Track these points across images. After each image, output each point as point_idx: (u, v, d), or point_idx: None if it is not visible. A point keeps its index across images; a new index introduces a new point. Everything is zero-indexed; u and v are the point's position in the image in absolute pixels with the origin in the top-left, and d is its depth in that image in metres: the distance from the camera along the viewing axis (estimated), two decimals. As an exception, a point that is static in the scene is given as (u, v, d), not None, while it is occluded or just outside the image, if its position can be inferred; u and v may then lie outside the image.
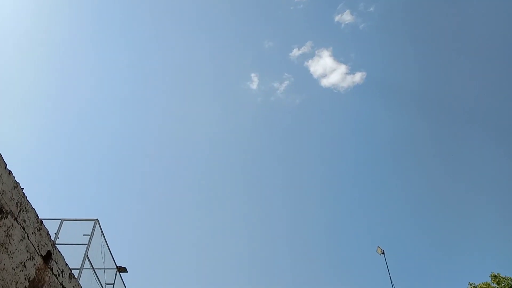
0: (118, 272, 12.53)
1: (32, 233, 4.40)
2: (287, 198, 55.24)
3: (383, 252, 14.03)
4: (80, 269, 9.51)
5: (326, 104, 53.56)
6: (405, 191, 51.90)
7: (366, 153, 55.37)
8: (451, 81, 49.93)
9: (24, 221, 4.28)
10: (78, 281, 5.80)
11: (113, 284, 12.26)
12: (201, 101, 54.90)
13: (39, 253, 4.60)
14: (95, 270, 10.86)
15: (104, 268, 11.50)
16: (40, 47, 46.00)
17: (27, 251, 4.29)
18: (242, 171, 56.51)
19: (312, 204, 54.38)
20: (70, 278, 5.39)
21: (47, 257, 4.77)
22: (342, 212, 53.36)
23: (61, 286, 5.07)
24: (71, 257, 9.54)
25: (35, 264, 4.48)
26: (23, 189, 4.40)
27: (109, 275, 12.08)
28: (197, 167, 56.14)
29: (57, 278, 4.99)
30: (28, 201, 4.30)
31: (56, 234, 10.05)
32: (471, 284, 22.63)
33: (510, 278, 21.84)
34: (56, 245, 6.82)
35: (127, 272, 12.83)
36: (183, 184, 55.34)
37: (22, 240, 4.20)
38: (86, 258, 9.91)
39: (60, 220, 10.31)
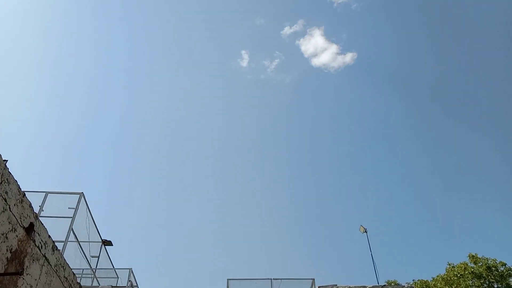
0: (103, 245, 12.59)
1: (14, 205, 4.39)
2: (269, 178, 55.60)
3: (365, 231, 14.29)
4: (65, 242, 9.53)
5: (316, 84, 53.49)
6: (390, 173, 52.61)
7: (354, 134, 55.74)
8: (443, 63, 50.12)
9: (6, 192, 4.26)
10: (61, 253, 5.83)
11: (98, 257, 12.33)
12: (190, 77, 54.38)
13: (21, 225, 4.60)
14: (80, 243, 10.91)
15: (89, 241, 11.54)
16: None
17: (9, 222, 4.29)
18: (230, 149, 56.58)
19: (296, 183, 54.88)
20: (53, 250, 5.42)
21: (30, 229, 4.78)
22: (326, 191, 54.00)
23: (44, 258, 5.10)
24: (56, 230, 9.54)
25: (17, 236, 4.48)
26: (6, 161, 4.35)
27: (94, 248, 12.14)
28: (184, 143, 56.03)
29: (40, 250, 5.01)
30: (10, 173, 4.26)
31: (41, 207, 10.02)
32: (450, 264, 23.25)
33: (486, 258, 22.49)
34: (40, 218, 6.82)
35: (112, 245, 12.90)
36: (169, 158, 55.29)
37: (3, 211, 4.19)
38: (71, 231, 9.93)
39: (44, 193, 10.26)
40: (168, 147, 55.38)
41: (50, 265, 5.29)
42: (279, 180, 55.57)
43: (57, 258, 5.50)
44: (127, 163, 53.68)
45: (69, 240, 9.67)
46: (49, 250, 5.29)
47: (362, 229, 14.58)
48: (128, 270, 12.79)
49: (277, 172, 55.36)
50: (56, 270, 5.44)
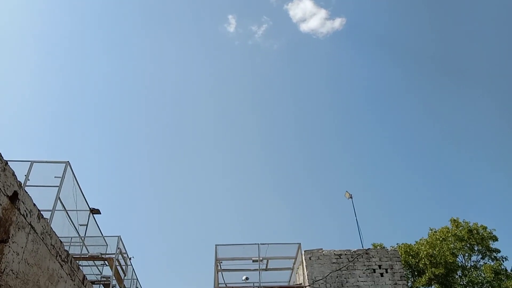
0: (91, 214, 12.62)
1: (-4, 173, 4.33)
2: (256, 145, 55.74)
3: (351, 197, 14.51)
4: (52, 211, 9.53)
5: (305, 50, 52.93)
6: (377, 138, 53.09)
7: (341, 100, 55.76)
8: (435, 26, 49.81)
9: (-13, 161, 4.18)
10: (48, 221, 5.82)
11: (86, 225, 12.38)
12: (176, 42, 53.32)
13: (5, 194, 4.55)
14: (68, 211, 10.91)
15: (77, 210, 11.55)
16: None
17: (-9, 191, 4.23)
18: (217, 115, 56.30)
19: (282, 150, 55.15)
20: (39, 218, 5.40)
21: (14, 198, 4.74)
22: (313, 158, 54.42)
23: (29, 226, 5.08)
24: (43, 199, 9.51)
25: (0, 204, 4.44)
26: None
27: (82, 217, 12.17)
28: (171, 109, 55.51)
29: (25, 218, 4.98)
30: (-9, 141, 4.19)
31: (26, 176, 9.93)
32: (431, 229, 23.93)
33: (467, 222, 23.17)
34: (24, 186, 6.76)
35: (100, 213, 12.94)
36: (157, 124, 54.91)
37: (-15, 180, 4.12)
38: (58, 200, 9.90)
39: (30, 162, 10.15)
40: (155, 113, 54.89)
41: (36, 233, 5.28)
42: (266, 147, 55.80)
43: (43, 226, 5.49)
44: (114, 130, 53.22)
45: (56, 209, 9.66)
46: (35, 218, 5.27)
47: (347, 195, 14.81)
48: (117, 237, 12.89)
49: (264, 139, 55.50)
50: (43, 238, 5.43)
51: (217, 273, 13.95)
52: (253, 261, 13.41)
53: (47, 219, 8.86)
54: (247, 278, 13.63)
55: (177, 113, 55.57)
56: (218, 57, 53.86)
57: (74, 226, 11.59)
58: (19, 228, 4.83)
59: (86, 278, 7.21)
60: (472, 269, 22.43)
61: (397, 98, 53.19)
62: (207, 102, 55.37)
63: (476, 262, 23.14)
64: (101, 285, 13.26)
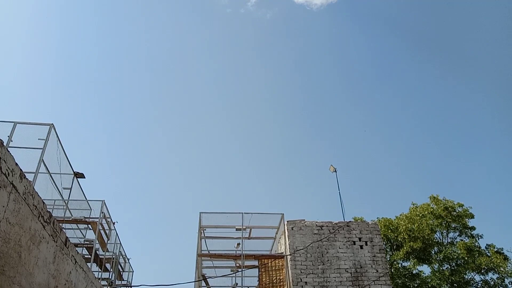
0: (75, 178, 12.50)
1: (-23, 129, 4.21)
2: (242, 114, 55.57)
3: (335, 170, 14.63)
4: (35, 173, 9.39)
5: (298, 21, 52.22)
6: (362, 113, 53.33)
7: (330, 73, 55.57)
8: (427, 3, 49.42)
9: (-33, 116, 4.05)
10: (30, 182, 5.73)
11: (70, 189, 12.27)
12: (166, 7, 52.05)
13: (-15, 151, 4.44)
14: (51, 174, 10.78)
15: (61, 173, 11.42)
16: None
17: (-29, 147, 4.12)
18: (206, 83, 55.71)
19: (269, 121, 55.13)
20: (21, 178, 5.30)
21: (-5, 156, 4.63)
22: (299, 130, 54.59)
23: (11, 185, 4.99)
24: (26, 161, 9.38)
25: (-19, 162, 4.34)
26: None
27: (66, 181, 12.05)
28: (159, 74, 54.71)
29: (7, 177, 4.89)
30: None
31: (9, 136, 9.73)
32: (413, 204, 24.41)
33: (447, 200, 23.65)
34: (9, 148, 6.61)
35: (84, 178, 12.80)
36: (142, 88, 54.20)
37: (-35, 136, 4.01)
38: (42, 162, 9.76)
39: (13, 123, 9.93)
40: (144, 77, 54.07)
41: (18, 192, 5.19)
42: (252, 117, 55.66)
43: (26, 186, 5.40)
44: (100, 94, 52.37)
45: (39, 171, 9.53)
46: (17, 177, 5.17)
47: (332, 169, 14.94)
48: (101, 202, 12.84)
49: (250, 109, 55.28)
50: (25, 198, 5.36)
51: (201, 240, 14.08)
52: (237, 229, 13.54)
53: (31, 181, 8.75)
54: (238, 245, 13.77)
55: (166, 79, 54.82)
56: (209, 24, 52.84)
57: (58, 190, 11.50)
58: (0, 187, 4.74)
59: (69, 240, 7.18)
60: (448, 245, 23.05)
61: (388, 72, 53.21)
62: (197, 69, 54.65)
63: (453, 238, 23.76)
64: (84, 248, 13.30)
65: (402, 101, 53.09)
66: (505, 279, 21.69)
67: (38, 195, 5.91)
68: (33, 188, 5.79)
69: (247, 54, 55.47)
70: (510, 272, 21.66)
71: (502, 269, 21.39)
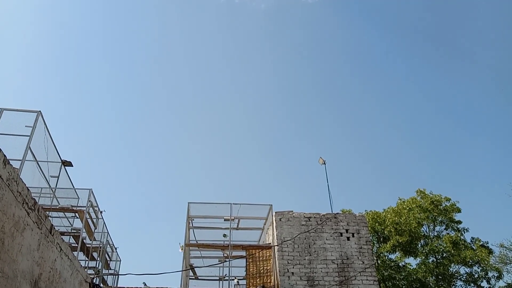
0: (62, 166, 12.40)
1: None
2: (232, 105, 55.45)
3: (324, 163, 14.68)
4: (22, 160, 9.30)
5: (293, 12, 52.03)
6: (355, 105, 53.53)
7: (322, 66, 55.55)
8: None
9: None
10: (14, 168, 5.67)
11: (58, 177, 12.17)
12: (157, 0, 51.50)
13: (-33, 135, 4.39)
14: (38, 162, 10.68)
15: (48, 161, 11.31)
16: None
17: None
18: (196, 74, 55.39)
19: (259, 112, 55.10)
20: (5, 164, 5.24)
21: (-23, 141, 4.57)
22: (289, 122, 54.65)
23: (-6, 171, 4.94)
24: (13, 148, 9.28)
25: (-38, 146, 4.28)
26: None
27: (53, 169, 11.94)
28: (149, 64, 54.27)
29: (-10, 163, 4.84)
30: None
31: (-4, 123, 9.60)
32: (400, 199, 24.60)
33: (434, 194, 23.90)
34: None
35: (72, 166, 12.71)
36: (132, 80, 53.77)
37: None
38: (29, 150, 9.65)
39: (0, 110, 9.79)
40: (133, 67, 53.63)
41: (2, 178, 5.14)
42: (239, 108, 55.58)
43: (9, 172, 5.34)
44: (89, 82, 51.84)
45: (26, 159, 9.43)
46: (0, 163, 5.11)
47: (321, 161, 14.98)
48: (89, 190, 12.76)
49: (241, 99, 55.17)
50: (9, 184, 5.30)
51: (189, 230, 14.10)
52: (225, 220, 13.57)
53: (17, 169, 8.66)
54: (225, 235, 13.80)
55: (155, 70, 54.42)
56: (202, 13, 52.45)
57: (45, 177, 11.40)
58: (-18, 172, 4.69)
59: (54, 228, 7.14)
60: (435, 239, 23.34)
61: (381, 65, 53.34)
62: (186, 59, 54.29)
63: (439, 232, 24.06)
64: (71, 236, 13.23)
65: (391, 94, 53.35)
66: (489, 272, 22.08)
67: (23, 182, 5.85)
68: (18, 174, 5.73)
69: (240, 45, 55.24)
70: (493, 265, 22.05)
71: (486, 262, 21.76)
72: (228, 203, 13.38)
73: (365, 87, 53.37)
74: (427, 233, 24.10)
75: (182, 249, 12.94)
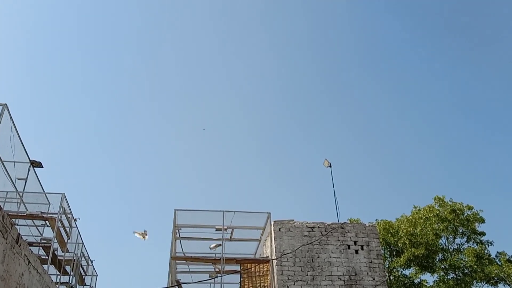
0: (31, 167, 12.37)
1: None
2: (228, 99, 55.47)
3: (330, 165, 14.70)
4: (-15, 160, 9.29)
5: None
6: (364, 101, 53.62)
7: (327, 58, 55.65)
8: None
9: None
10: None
11: (26, 179, 12.14)
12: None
13: None
14: (3, 162, 10.65)
15: (14, 161, 11.28)
16: None
17: None
18: (182, 70, 55.39)
19: (257, 107, 55.14)
20: (-35, 164, 5.24)
21: None
22: (291, 117, 54.70)
23: (-47, 172, 4.93)
24: (-27, 146, 9.25)
25: None
26: None
27: (20, 170, 11.90)
28: (133, 55, 54.22)
29: None
30: None
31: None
32: (415, 207, 24.62)
33: (453, 202, 23.90)
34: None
35: (42, 167, 12.69)
36: (111, 72, 53.70)
37: None
38: (-8, 148, 9.63)
39: (-42, 102, 9.76)
40: (112, 56, 53.54)
41: (-38, 180, 5.12)
42: (234, 106, 55.56)
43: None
44: (60, 70, 51.65)
45: (-11, 158, 9.41)
46: (-40, 163, 5.09)
47: (326, 163, 14.99)
48: (61, 195, 12.74)
49: (234, 94, 55.16)
50: (-31, 187, 5.28)
51: (175, 241, 14.08)
52: (217, 229, 13.55)
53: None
54: (218, 245, 13.74)
55: (138, 60, 54.36)
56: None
57: (11, 180, 11.35)
58: None
59: (22, 238, 7.13)
60: (455, 252, 23.40)
61: (395, 57, 53.47)
62: (173, 50, 54.27)
63: (459, 245, 24.12)
64: (41, 247, 13.21)
65: (406, 88, 53.49)
66: (517, 291, 22.15)
67: (-15, 184, 5.84)
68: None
69: (235, 35, 55.27)
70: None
71: (513, 279, 21.84)
72: (221, 211, 13.39)
73: (376, 82, 53.54)
74: (446, 245, 24.17)
75: (143, 237, 12.69)
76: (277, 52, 55.38)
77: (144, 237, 12.95)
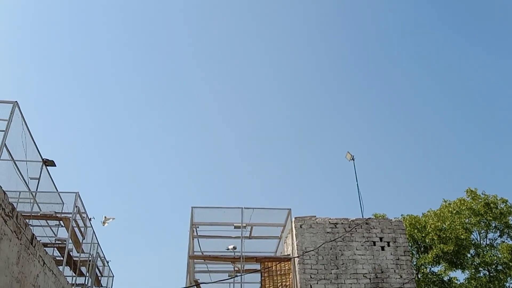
0: (44, 166, 12.55)
1: None
2: (244, 93, 55.43)
3: (352, 158, 14.62)
4: (-4, 160, 9.43)
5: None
6: (385, 90, 53.08)
7: (348, 50, 55.17)
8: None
9: None
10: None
11: (39, 179, 12.32)
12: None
13: None
14: (16, 162, 10.81)
15: (27, 160, 11.45)
16: None
17: None
18: (196, 60, 55.53)
19: (274, 100, 55.00)
20: (-23, 164, 5.35)
21: None
22: (310, 110, 54.46)
23: (-35, 172, 5.04)
24: (-16, 145, 9.41)
25: None
26: None
27: (33, 169, 12.09)
28: (135, 51, 54.53)
29: (-40, 162, 4.93)
30: None
31: (-34, 117, 9.75)
32: (445, 201, 24.31)
33: (486, 195, 23.52)
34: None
35: (55, 166, 12.86)
36: (126, 67, 54.11)
37: None
38: (4, 147, 9.78)
39: (-30, 101, 9.95)
40: (124, 51, 53.93)
41: (-26, 180, 5.22)
42: (252, 98, 55.53)
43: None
44: (71, 65, 52.27)
45: (1, 158, 9.56)
46: (-28, 163, 5.20)
47: (349, 156, 14.91)
48: (75, 194, 12.91)
49: (250, 88, 55.12)
50: (-18, 187, 5.39)
51: (193, 239, 14.18)
52: (235, 227, 13.61)
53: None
54: (234, 248, 13.84)
55: (149, 57, 54.66)
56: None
57: (24, 180, 11.53)
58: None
59: (36, 238, 7.26)
60: (487, 248, 23.08)
61: (420, 45, 52.78)
62: (185, 44, 54.43)
63: (492, 240, 23.79)
64: (55, 248, 13.42)
65: (436, 76, 52.76)
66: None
67: (-2, 184, 5.96)
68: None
69: (248, 26, 55.17)
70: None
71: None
72: (239, 208, 13.42)
73: (400, 68, 52.90)
74: (477, 241, 23.86)
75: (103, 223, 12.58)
76: (300, 40, 55.12)
77: (104, 224, 13.08)
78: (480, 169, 47.08)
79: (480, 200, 23.29)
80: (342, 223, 13.18)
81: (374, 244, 12.93)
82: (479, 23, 51.22)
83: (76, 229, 13.30)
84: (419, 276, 22.62)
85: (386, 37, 54.85)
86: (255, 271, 13.55)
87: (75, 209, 12.82)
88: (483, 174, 46.84)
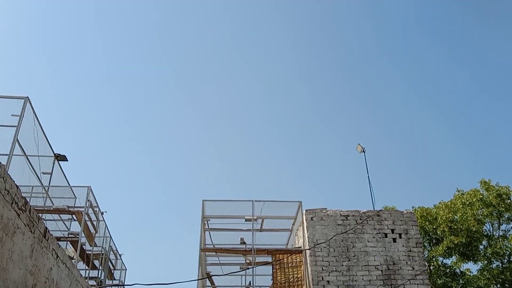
0: (56, 160, 12.63)
1: None
2: (255, 85, 55.35)
3: (363, 150, 14.55)
4: (9, 155, 9.49)
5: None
6: (396, 81, 52.73)
7: (357, 38, 54.82)
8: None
9: None
10: (1, 163, 5.79)
11: (51, 173, 12.41)
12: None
13: None
14: (28, 157, 10.88)
15: (39, 155, 11.53)
16: None
17: None
18: (205, 55, 55.49)
19: (285, 92, 54.87)
20: (-10, 158, 5.37)
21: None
22: (321, 101, 54.27)
23: (-22, 166, 5.06)
24: (-2, 141, 9.49)
25: None
26: None
27: (45, 164, 12.17)
28: (147, 46, 54.61)
29: (-27, 156, 4.95)
30: None
31: (-22, 112, 9.83)
32: (459, 191, 24.11)
33: (500, 186, 23.27)
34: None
35: (67, 160, 12.94)
36: (135, 61, 54.23)
37: None
38: (16, 142, 9.84)
39: (-17, 96, 10.02)
40: (136, 45, 54.05)
41: (-13, 174, 5.25)
42: (264, 90, 55.44)
43: (-5, 168, 5.45)
44: (82, 59, 52.46)
45: (14, 153, 9.61)
46: (-16, 157, 5.22)
47: (359, 148, 14.84)
48: (87, 188, 12.98)
49: (261, 80, 55.03)
50: (-5, 182, 5.42)
51: (204, 232, 14.22)
52: (246, 220, 13.64)
53: (3, 164, 8.84)
54: (243, 243, 13.89)
55: (162, 51, 54.72)
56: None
57: (36, 174, 11.62)
58: (-36, 168, 4.80)
59: (49, 231, 7.29)
60: (500, 239, 22.90)
61: (436, 30, 52.26)
62: (189, 32, 54.39)
63: (505, 231, 23.61)
64: (68, 242, 13.52)
65: (452, 61, 52.18)
66: None
67: (11, 178, 5.97)
68: (5, 169, 5.86)
69: (264, 15, 55.00)
70: None
71: None
72: (250, 200, 13.44)
73: (415, 52, 52.46)
74: (490, 232, 23.68)
75: None
76: (319, 32, 54.87)
77: None
78: (493, 160, 46.64)
79: (493, 191, 23.07)
80: (353, 215, 13.14)
81: (386, 236, 12.88)
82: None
83: (89, 223, 13.39)
84: (430, 268, 22.52)
85: (408, 28, 54.40)
86: (266, 263, 13.57)
87: (88, 203, 12.89)
88: (495, 166, 46.41)
